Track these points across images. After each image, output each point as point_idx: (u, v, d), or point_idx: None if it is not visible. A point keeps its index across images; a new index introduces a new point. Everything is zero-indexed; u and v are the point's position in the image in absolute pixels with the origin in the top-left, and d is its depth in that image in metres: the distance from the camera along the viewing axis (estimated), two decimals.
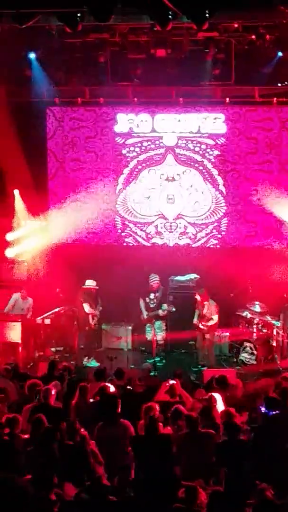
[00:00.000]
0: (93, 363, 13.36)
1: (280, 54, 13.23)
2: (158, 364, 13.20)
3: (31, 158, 14.84)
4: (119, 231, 15.62)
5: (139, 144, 15.23)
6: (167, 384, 9.43)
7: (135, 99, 14.84)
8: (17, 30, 11.38)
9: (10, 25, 11.42)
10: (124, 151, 15.30)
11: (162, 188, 15.29)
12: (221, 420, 7.99)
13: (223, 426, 7.76)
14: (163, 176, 15.25)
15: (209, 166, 15.03)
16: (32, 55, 13.83)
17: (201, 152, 15.01)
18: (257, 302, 13.64)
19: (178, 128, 14.97)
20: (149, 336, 13.64)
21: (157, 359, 13.38)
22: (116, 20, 11.06)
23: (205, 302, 13.25)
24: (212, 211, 15.18)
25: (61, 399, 9.32)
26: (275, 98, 14.28)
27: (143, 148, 15.23)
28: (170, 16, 10.30)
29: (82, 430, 7.79)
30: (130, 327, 14.25)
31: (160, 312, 13.71)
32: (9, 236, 14.91)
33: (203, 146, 14.98)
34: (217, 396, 8.75)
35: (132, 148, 15.27)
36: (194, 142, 15.00)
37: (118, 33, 12.93)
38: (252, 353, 13.20)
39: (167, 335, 13.86)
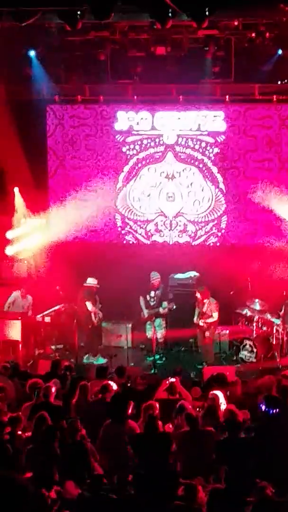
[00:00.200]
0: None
1: (280, 52, 13.27)
2: (158, 362, 13.23)
3: (31, 156, 14.84)
4: (119, 229, 15.62)
5: (139, 142, 15.23)
6: (167, 382, 9.45)
7: (135, 97, 14.87)
8: (17, 28, 11.46)
9: (10, 23, 11.44)
10: (124, 149, 15.29)
11: (162, 186, 15.29)
12: (223, 418, 8.01)
13: (225, 424, 7.78)
14: (163, 174, 15.26)
15: (209, 164, 15.03)
16: (32, 53, 13.88)
17: (201, 150, 15.00)
18: (257, 300, 13.62)
19: (178, 126, 14.96)
20: (149, 334, 13.63)
21: (157, 357, 13.39)
22: (116, 18, 11.03)
23: (205, 300, 13.24)
24: (212, 209, 15.18)
25: (61, 397, 9.32)
26: (275, 96, 14.30)
27: (143, 146, 15.22)
28: (170, 14, 10.34)
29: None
30: (130, 325, 14.22)
31: (161, 310, 13.70)
32: (9, 234, 14.93)
33: (203, 144, 14.97)
34: (219, 394, 8.77)
35: (132, 146, 15.26)
36: (194, 140, 14.99)
37: (118, 31, 12.96)
38: (252, 351, 13.18)
39: (167, 333, 13.85)
